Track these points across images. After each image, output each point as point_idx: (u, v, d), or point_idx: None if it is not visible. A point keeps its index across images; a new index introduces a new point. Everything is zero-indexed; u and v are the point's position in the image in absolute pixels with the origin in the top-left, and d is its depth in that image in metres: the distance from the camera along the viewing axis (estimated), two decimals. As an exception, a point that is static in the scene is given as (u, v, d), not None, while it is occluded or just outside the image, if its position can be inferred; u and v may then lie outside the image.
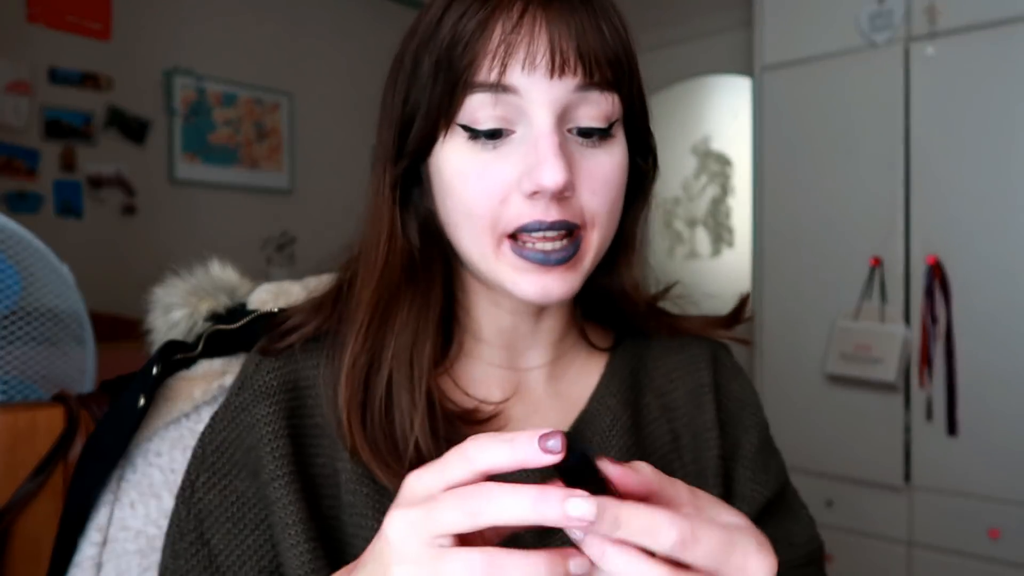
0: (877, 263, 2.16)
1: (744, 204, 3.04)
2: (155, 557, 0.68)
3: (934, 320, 2.06)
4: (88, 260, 2.44)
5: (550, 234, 0.52)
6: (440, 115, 0.53)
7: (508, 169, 0.52)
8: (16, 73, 2.55)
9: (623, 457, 0.59)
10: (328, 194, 3.38)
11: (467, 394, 0.61)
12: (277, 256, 3.29)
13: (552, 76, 0.51)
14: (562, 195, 0.51)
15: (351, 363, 0.55)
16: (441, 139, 0.54)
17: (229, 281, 0.78)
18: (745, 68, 2.77)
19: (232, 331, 0.72)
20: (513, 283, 0.53)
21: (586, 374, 0.66)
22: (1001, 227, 1.97)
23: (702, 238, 3.34)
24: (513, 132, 0.52)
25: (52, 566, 0.70)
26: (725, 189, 3.28)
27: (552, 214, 0.51)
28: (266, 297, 0.74)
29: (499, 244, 0.53)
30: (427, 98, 0.53)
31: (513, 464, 0.36)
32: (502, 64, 0.50)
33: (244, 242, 3.15)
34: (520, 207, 0.52)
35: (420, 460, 0.53)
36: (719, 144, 3.26)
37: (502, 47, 0.50)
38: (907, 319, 2.12)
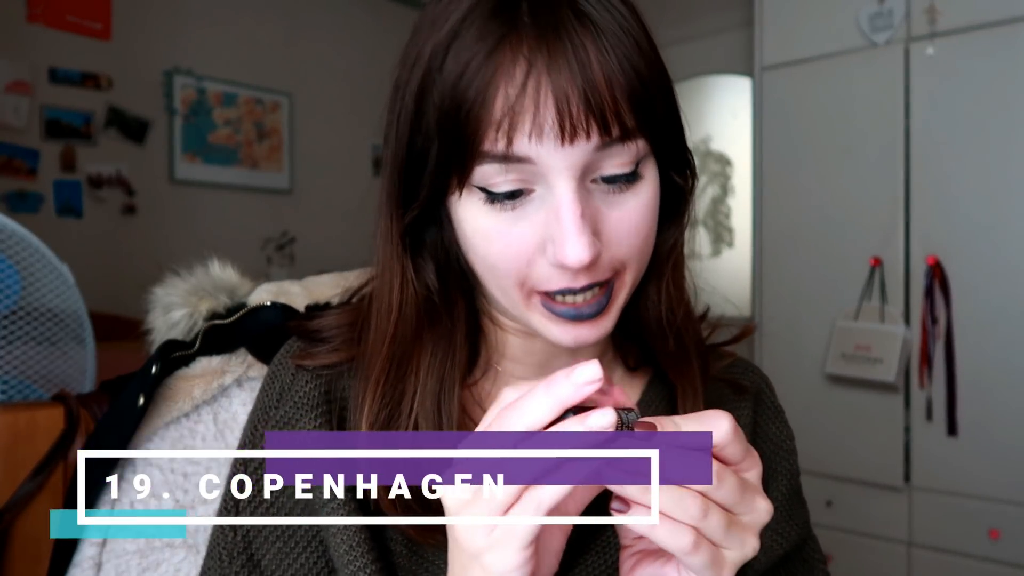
0: (877, 263, 2.16)
1: (744, 204, 3.03)
2: (154, 557, 0.68)
3: (934, 320, 2.06)
4: (88, 260, 2.44)
5: (584, 295, 0.50)
6: (452, 176, 0.49)
7: (530, 232, 0.48)
8: (16, 73, 2.55)
9: None
10: (328, 194, 3.38)
11: None
12: (277, 256, 3.29)
13: (563, 144, 0.46)
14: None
15: (369, 425, 0.53)
16: (456, 195, 0.50)
17: (229, 281, 0.78)
18: (745, 68, 2.77)
19: (228, 326, 0.72)
20: (546, 331, 0.51)
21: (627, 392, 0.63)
22: (1001, 227, 1.97)
23: (702, 238, 3.34)
24: (532, 191, 0.48)
25: (52, 566, 0.70)
26: (725, 189, 3.28)
27: (581, 280, 0.48)
28: (266, 297, 0.74)
29: (529, 297, 0.51)
30: (435, 155, 0.49)
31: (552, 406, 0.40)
32: (507, 137, 0.46)
33: (244, 242, 3.15)
34: (547, 271, 0.49)
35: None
36: (719, 144, 3.26)
37: (506, 119, 0.45)
38: (907, 319, 2.12)
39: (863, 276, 2.19)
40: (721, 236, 3.29)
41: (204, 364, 0.72)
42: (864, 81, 2.19)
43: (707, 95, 3.22)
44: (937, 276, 2.05)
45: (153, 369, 0.70)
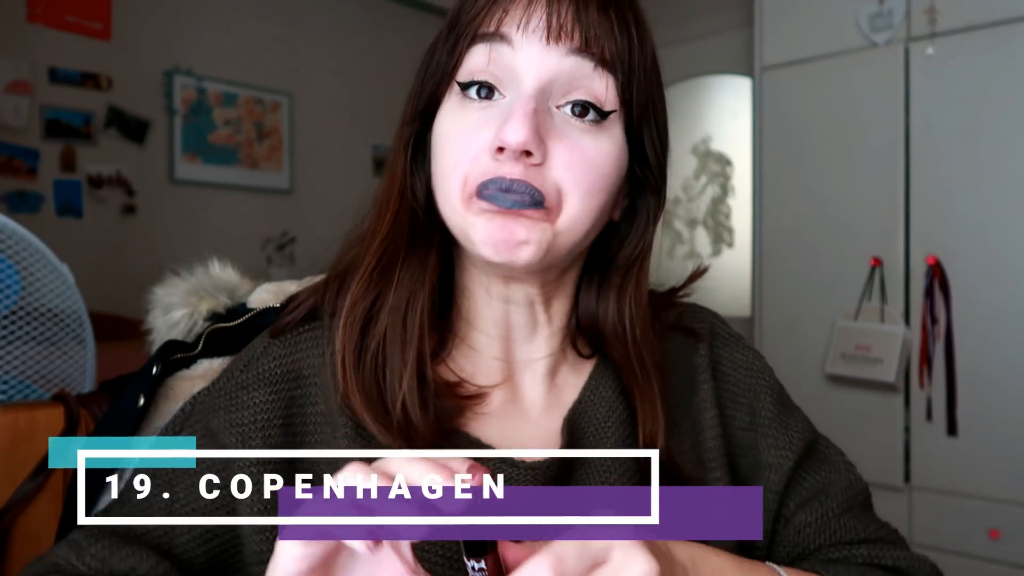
0: (877, 263, 2.16)
1: (744, 204, 3.03)
2: (155, 557, 0.67)
3: (934, 320, 2.06)
4: (88, 260, 2.44)
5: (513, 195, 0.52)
6: (444, 72, 0.56)
7: (489, 133, 0.53)
8: (16, 73, 2.55)
9: (621, 446, 0.60)
10: (328, 194, 3.38)
11: (460, 379, 0.60)
12: (277, 256, 3.29)
13: (548, 41, 0.52)
14: (528, 157, 0.51)
15: (351, 304, 0.57)
16: (446, 100, 0.56)
17: (229, 281, 0.78)
18: (745, 68, 2.77)
19: (232, 329, 0.72)
20: (476, 232, 0.53)
21: (578, 372, 0.64)
22: (1001, 227, 1.97)
23: (702, 238, 3.34)
24: (503, 97, 0.54)
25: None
26: (725, 189, 3.28)
27: (515, 172, 0.51)
28: (266, 297, 0.75)
29: (469, 200, 0.53)
30: (437, 59, 0.57)
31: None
32: (499, 20, 0.53)
33: (244, 242, 3.15)
34: (486, 163, 0.52)
35: (408, 423, 0.54)
36: (719, 144, 3.26)
37: (500, 6, 0.53)
38: (907, 319, 2.12)
39: (863, 276, 2.19)
40: (721, 236, 3.29)
41: (206, 365, 0.72)
42: (864, 81, 2.19)
43: (707, 95, 3.22)
44: (937, 276, 2.05)
45: (154, 370, 0.70)
